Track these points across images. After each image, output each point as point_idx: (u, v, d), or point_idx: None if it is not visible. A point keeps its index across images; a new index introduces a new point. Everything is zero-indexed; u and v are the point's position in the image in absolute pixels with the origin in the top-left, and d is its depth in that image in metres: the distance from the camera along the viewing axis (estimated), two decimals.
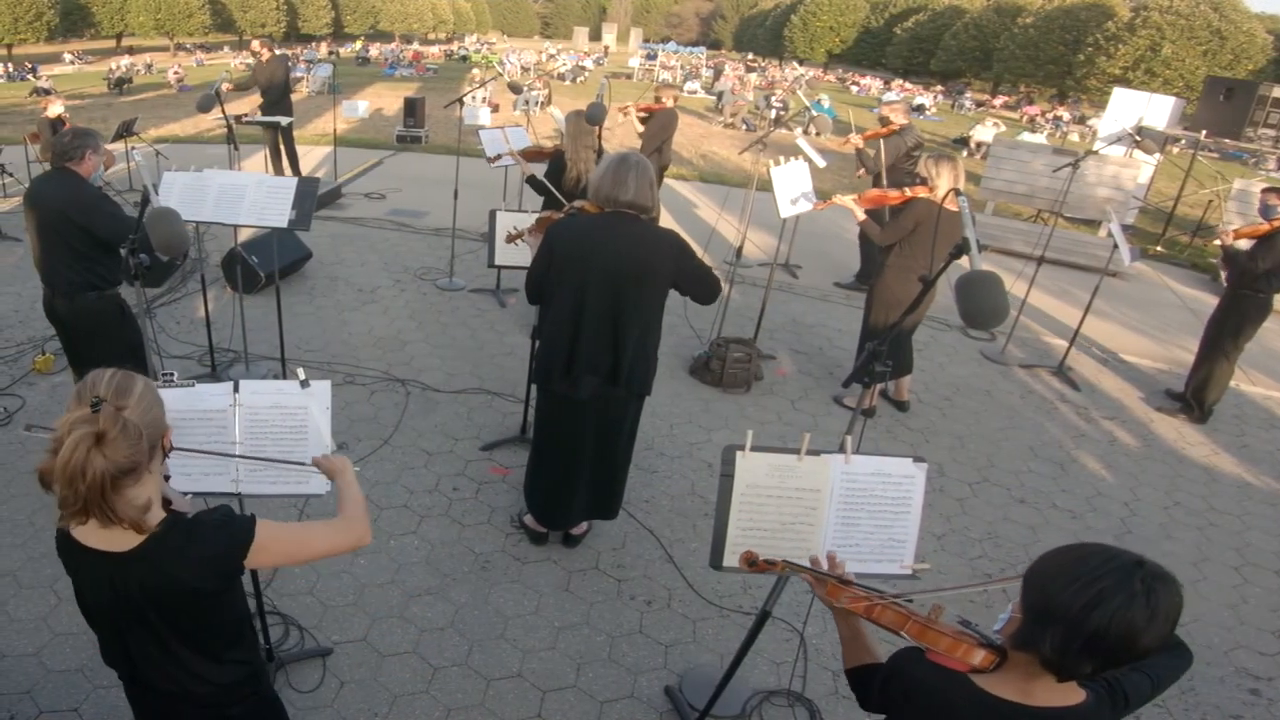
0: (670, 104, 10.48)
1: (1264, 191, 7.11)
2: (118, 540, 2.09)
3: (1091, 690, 1.96)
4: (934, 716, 2.01)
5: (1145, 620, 1.71)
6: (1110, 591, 1.73)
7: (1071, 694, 1.92)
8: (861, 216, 6.61)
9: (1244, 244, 7.22)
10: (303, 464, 2.91)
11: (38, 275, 5.14)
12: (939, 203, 6.00)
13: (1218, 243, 7.49)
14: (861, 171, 9.97)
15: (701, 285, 4.36)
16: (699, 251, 4.58)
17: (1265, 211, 7.03)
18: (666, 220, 4.12)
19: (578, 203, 4.52)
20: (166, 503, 2.34)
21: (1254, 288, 7.09)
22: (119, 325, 5.26)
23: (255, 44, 13.57)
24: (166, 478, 2.57)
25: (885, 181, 9.55)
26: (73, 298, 5.01)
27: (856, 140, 9.70)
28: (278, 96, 12.91)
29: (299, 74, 25.56)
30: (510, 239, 5.48)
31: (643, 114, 10.82)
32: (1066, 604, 1.76)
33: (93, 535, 2.11)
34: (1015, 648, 1.89)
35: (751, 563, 2.55)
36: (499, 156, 7.88)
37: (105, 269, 5.09)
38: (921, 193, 6.26)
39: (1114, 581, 1.73)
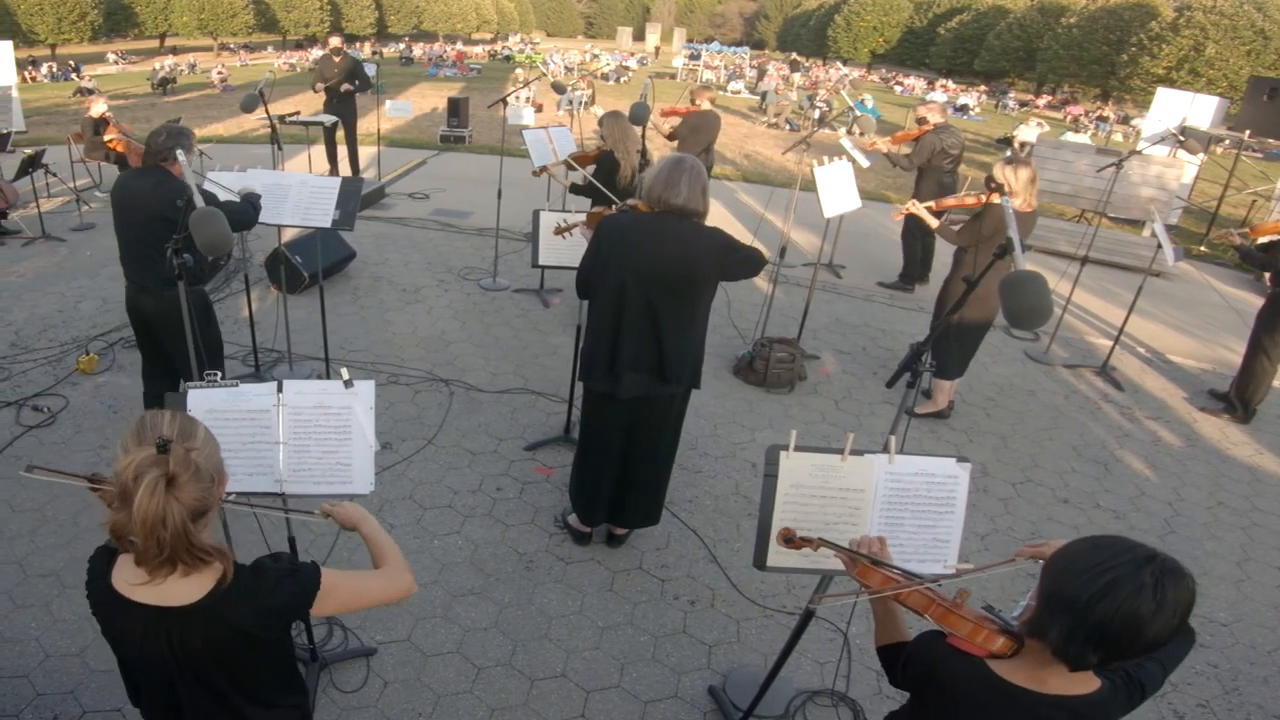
0: (707, 106, 10.28)
1: None
2: (174, 594, 1.98)
3: (1107, 680, 1.97)
4: (948, 698, 2.05)
5: (1151, 613, 1.72)
6: (1119, 583, 1.74)
7: (1086, 683, 1.94)
8: (935, 224, 6.61)
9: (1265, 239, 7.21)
10: (310, 513, 2.56)
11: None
12: (1018, 208, 6.04)
13: (1233, 239, 7.42)
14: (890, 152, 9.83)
15: (746, 268, 4.35)
16: (749, 241, 4.55)
17: None
18: (712, 218, 4.06)
19: (630, 201, 4.53)
20: None
21: None
22: (204, 323, 5.30)
23: (334, 40, 13.42)
24: None
25: (919, 181, 9.57)
26: (161, 294, 5.00)
27: (882, 145, 9.62)
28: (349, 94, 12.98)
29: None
30: (559, 231, 5.51)
31: (672, 118, 10.73)
32: (1075, 594, 1.79)
33: (145, 591, 1.98)
34: (1029, 635, 1.92)
35: (789, 539, 2.57)
36: (544, 169, 7.87)
37: (195, 265, 5.19)
38: (996, 198, 6.23)
39: (1124, 574, 1.75)
